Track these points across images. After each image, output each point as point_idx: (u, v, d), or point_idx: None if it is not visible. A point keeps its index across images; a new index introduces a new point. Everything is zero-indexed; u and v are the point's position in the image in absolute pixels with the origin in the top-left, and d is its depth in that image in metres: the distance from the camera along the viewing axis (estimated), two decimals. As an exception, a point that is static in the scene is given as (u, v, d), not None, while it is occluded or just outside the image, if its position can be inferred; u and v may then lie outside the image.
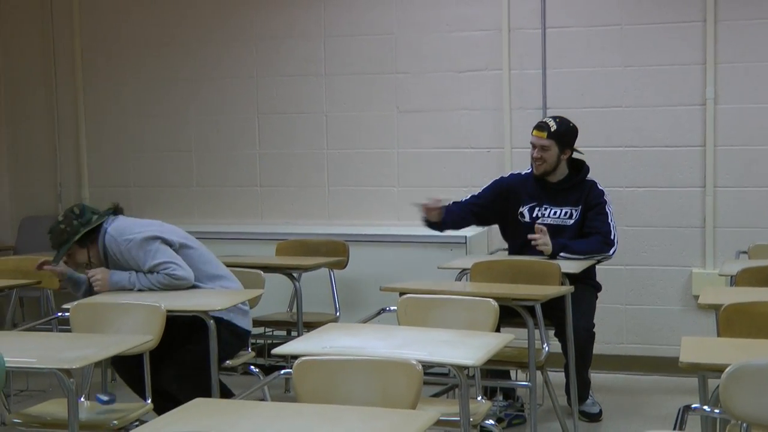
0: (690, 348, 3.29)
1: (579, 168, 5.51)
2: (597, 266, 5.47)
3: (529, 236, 5.22)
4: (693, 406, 3.11)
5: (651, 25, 6.20)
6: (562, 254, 5.22)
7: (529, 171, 5.55)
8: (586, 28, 6.31)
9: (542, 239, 5.20)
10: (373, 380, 3.13)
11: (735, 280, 4.76)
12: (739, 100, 6.09)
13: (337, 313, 5.83)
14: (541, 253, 5.23)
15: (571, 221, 5.39)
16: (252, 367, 4.85)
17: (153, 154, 7.19)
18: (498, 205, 5.52)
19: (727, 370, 2.88)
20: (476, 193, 5.61)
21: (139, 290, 4.58)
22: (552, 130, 5.38)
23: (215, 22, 6.99)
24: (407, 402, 3.06)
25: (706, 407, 3.08)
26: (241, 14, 6.94)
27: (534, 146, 5.42)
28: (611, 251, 5.33)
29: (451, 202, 5.53)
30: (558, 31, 6.34)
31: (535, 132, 5.43)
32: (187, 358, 4.49)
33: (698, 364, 3.13)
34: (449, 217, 5.47)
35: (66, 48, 7.31)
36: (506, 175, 5.72)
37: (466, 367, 3.39)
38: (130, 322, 4.15)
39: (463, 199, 5.59)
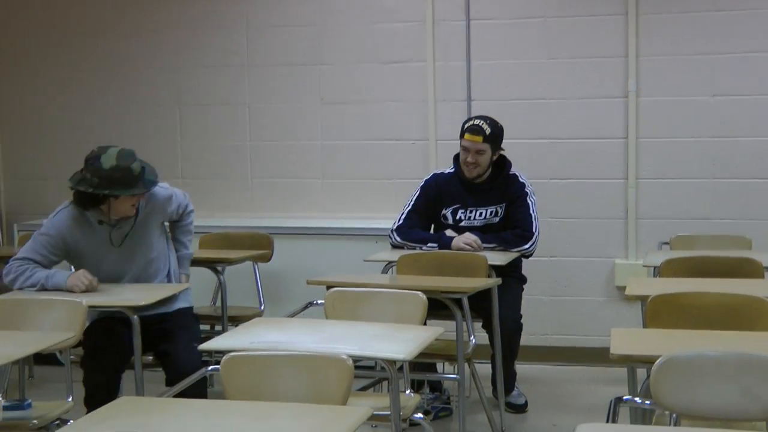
0: (619, 339, 3.30)
1: (501, 165, 5.44)
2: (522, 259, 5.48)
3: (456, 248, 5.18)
4: (624, 397, 3.12)
5: (574, 17, 6.24)
6: (485, 244, 5.22)
7: (452, 170, 5.46)
8: (510, 20, 6.32)
9: (466, 239, 5.18)
10: (303, 376, 3.08)
11: (659, 271, 4.80)
12: (660, 92, 6.16)
13: (262, 307, 5.75)
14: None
15: (497, 218, 5.36)
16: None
17: (71, 145, 6.99)
18: (432, 208, 5.45)
19: (657, 361, 2.89)
20: (410, 206, 5.45)
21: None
22: (487, 133, 5.26)
23: (135, 10, 6.86)
24: (338, 397, 3.02)
25: (637, 399, 3.09)
26: (162, 3, 6.81)
27: (467, 150, 5.29)
28: (529, 245, 5.26)
29: (398, 226, 5.39)
30: (482, 23, 6.35)
31: (468, 136, 5.28)
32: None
33: (629, 356, 3.14)
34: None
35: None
36: (429, 176, 5.58)
37: (396, 361, 3.36)
38: (50, 318, 4.02)
39: (403, 218, 5.43)
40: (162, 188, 4.70)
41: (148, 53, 6.86)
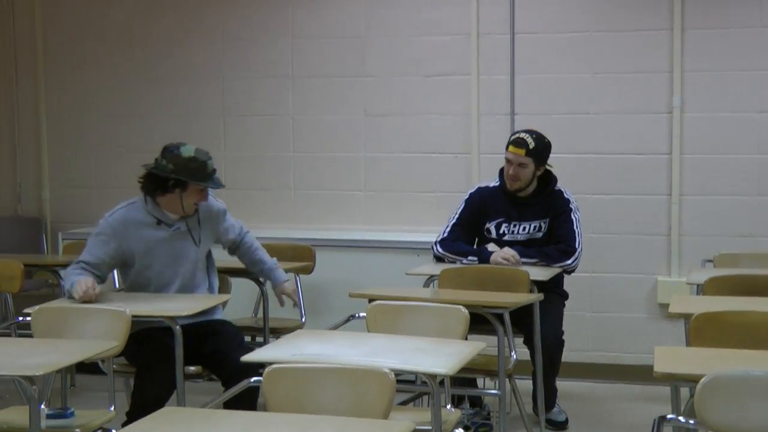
0: (663, 358, 3.28)
1: (547, 180, 5.43)
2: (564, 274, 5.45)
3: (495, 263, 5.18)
4: (668, 416, 3.09)
5: (618, 32, 6.21)
6: (524, 259, 5.21)
7: (497, 183, 5.45)
8: (554, 35, 6.31)
9: (504, 254, 5.19)
10: (345, 389, 3.09)
11: (702, 289, 4.76)
12: (705, 108, 6.12)
13: (303, 319, 5.75)
14: None
15: (540, 234, 5.34)
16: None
17: (116, 154, 7.09)
18: (476, 221, 5.44)
19: (702, 380, 2.87)
20: (454, 220, 5.45)
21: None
22: (530, 147, 5.24)
23: (182, 21, 6.92)
24: (379, 411, 3.02)
25: (681, 418, 3.06)
26: (208, 14, 6.86)
27: (510, 162, 5.28)
28: (571, 260, 5.26)
29: (443, 238, 5.40)
30: (526, 36, 6.33)
31: (512, 148, 5.28)
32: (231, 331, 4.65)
33: (673, 374, 3.11)
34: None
35: (27, 45, 7.19)
36: (473, 189, 5.56)
37: (438, 376, 3.35)
38: (94, 327, 4.05)
39: (447, 231, 5.43)
40: (218, 202, 4.84)
41: (192, 63, 6.91)
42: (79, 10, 7.12)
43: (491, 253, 5.24)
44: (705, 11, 6.07)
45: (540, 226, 5.35)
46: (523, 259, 5.21)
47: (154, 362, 4.37)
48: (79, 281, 4.41)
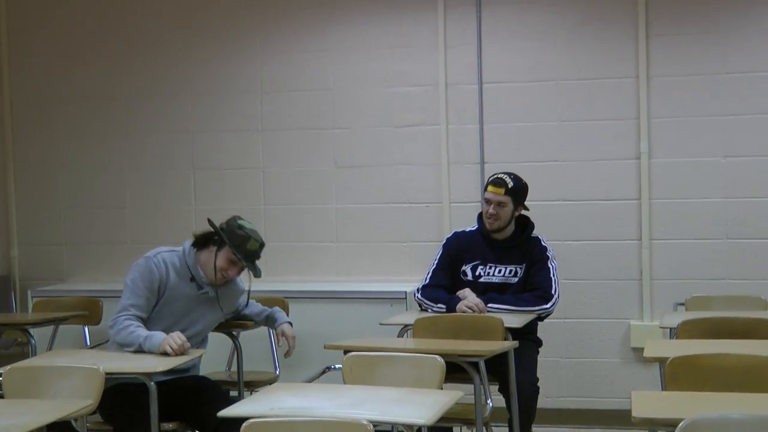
0: (640, 403, 3.28)
1: (524, 225, 5.49)
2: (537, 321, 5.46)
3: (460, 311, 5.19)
4: (648, 461, 3.09)
5: (585, 80, 6.30)
6: (490, 305, 5.20)
7: (475, 228, 5.50)
8: (521, 83, 6.38)
9: (468, 302, 5.18)
10: (324, 442, 3.07)
11: (676, 333, 4.78)
12: (672, 153, 6.20)
13: (277, 372, 5.73)
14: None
15: (516, 279, 5.36)
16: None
17: (85, 210, 7.07)
18: (454, 264, 5.46)
19: (680, 425, 2.87)
20: (434, 265, 5.48)
21: None
22: (509, 186, 5.32)
23: (152, 76, 6.94)
24: (359, 463, 3.00)
25: (661, 463, 3.06)
26: (178, 69, 6.89)
27: (489, 202, 5.34)
28: (549, 305, 5.27)
29: (424, 285, 5.42)
30: (494, 86, 6.41)
31: (491, 188, 5.35)
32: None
33: (651, 419, 3.12)
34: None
35: (-5, 102, 7.19)
36: (450, 234, 5.62)
37: (418, 426, 3.34)
38: (67, 386, 3.99)
39: (428, 277, 5.45)
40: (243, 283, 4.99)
41: (161, 117, 6.93)
42: (46, 66, 7.12)
43: (459, 301, 5.26)
44: (670, 59, 6.16)
45: (516, 271, 5.37)
46: (501, 306, 5.22)
47: (131, 424, 4.32)
48: (169, 336, 4.43)
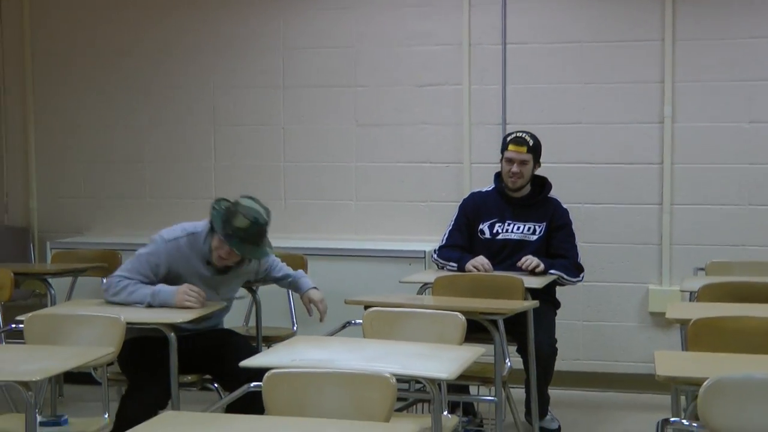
0: (664, 362, 3.28)
1: (542, 184, 5.52)
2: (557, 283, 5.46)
3: (519, 264, 5.21)
4: (671, 419, 3.09)
5: (610, 42, 6.24)
6: (551, 271, 5.26)
7: (492, 187, 5.55)
8: (545, 45, 6.32)
9: (531, 262, 5.20)
10: (346, 394, 3.07)
11: (696, 296, 4.77)
12: (696, 118, 6.14)
13: (294, 328, 5.74)
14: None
15: (535, 237, 5.38)
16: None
17: (104, 164, 7.06)
18: (471, 224, 5.50)
19: (705, 383, 2.87)
20: (451, 226, 5.54)
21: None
22: (530, 144, 5.41)
23: (171, 31, 6.89)
24: (380, 415, 3.00)
25: (684, 421, 3.05)
26: (199, 24, 6.85)
27: (512, 161, 5.38)
28: (582, 276, 5.41)
29: (440, 246, 5.49)
30: (518, 47, 6.35)
31: (513, 147, 5.39)
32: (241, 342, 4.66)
33: (675, 377, 3.11)
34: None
35: (15, 55, 7.15)
36: (467, 195, 5.71)
37: (439, 381, 3.34)
38: (87, 334, 4.02)
39: (445, 238, 5.51)
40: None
41: (182, 73, 6.89)
42: (67, 20, 7.08)
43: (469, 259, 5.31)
44: (696, 22, 6.10)
45: (534, 229, 5.39)
46: (559, 273, 5.28)
47: (144, 379, 4.32)
48: (181, 289, 4.39)
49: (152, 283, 4.52)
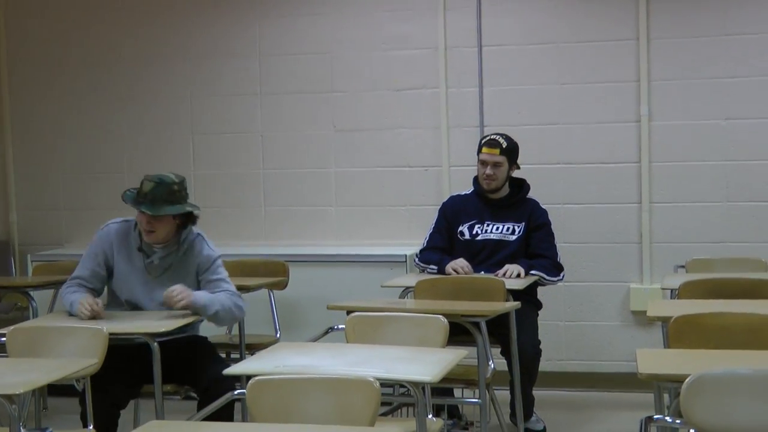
0: (646, 360, 3.29)
1: (520, 185, 5.56)
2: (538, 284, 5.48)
3: (498, 274, 5.23)
4: (655, 416, 3.10)
5: (585, 43, 6.27)
6: (532, 272, 5.30)
7: (471, 191, 5.61)
8: (521, 46, 6.35)
9: (509, 269, 5.24)
10: (330, 399, 3.07)
11: (677, 294, 4.79)
12: (672, 116, 6.18)
13: (278, 335, 5.74)
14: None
15: (514, 237, 5.42)
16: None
17: (84, 175, 7.04)
18: (451, 227, 5.55)
19: (687, 380, 2.89)
20: (431, 229, 5.60)
21: (214, 313, 4.48)
22: (504, 146, 5.46)
23: (148, 39, 6.88)
24: (365, 420, 3.01)
25: (668, 418, 3.07)
26: (175, 32, 6.84)
27: (485, 163, 5.46)
28: (562, 275, 5.46)
29: (422, 249, 5.55)
30: (494, 49, 6.37)
31: (486, 149, 5.47)
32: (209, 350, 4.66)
33: (657, 374, 3.13)
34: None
35: (-8, 68, 7.14)
36: (446, 199, 5.76)
37: (422, 384, 3.34)
38: (71, 345, 4.00)
39: (426, 241, 5.58)
40: (212, 250, 4.68)
41: (160, 81, 6.88)
42: (44, 30, 7.06)
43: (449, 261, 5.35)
44: (670, 20, 6.13)
45: (513, 229, 5.44)
46: (540, 273, 5.32)
47: (104, 381, 4.28)
48: (80, 301, 4.41)
49: (99, 276, 4.61)
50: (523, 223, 5.44)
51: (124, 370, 4.35)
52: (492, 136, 5.55)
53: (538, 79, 6.33)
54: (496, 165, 5.43)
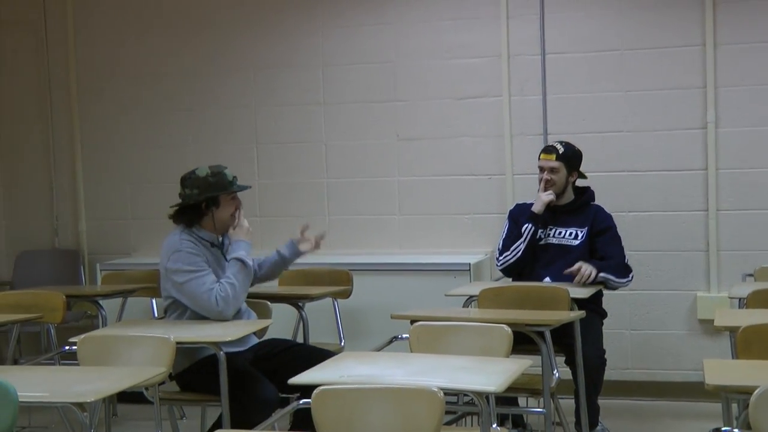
0: (713, 371, 3.26)
1: (583, 192, 5.56)
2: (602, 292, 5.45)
3: (566, 272, 5.22)
4: (723, 429, 3.07)
5: (650, 49, 6.21)
6: (602, 275, 5.25)
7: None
8: (585, 54, 6.31)
9: (583, 267, 5.20)
10: (394, 409, 3.09)
11: (745, 303, 4.73)
12: (739, 123, 6.10)
13: (342, 343, 5.76)
14: (536, 279, 5.36)
15: (577, 242, 5.41)
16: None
17: (151, 185, 7.14)
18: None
19: (756, 392, 2.85)
20: (503, 235, 5.59)
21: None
22: (560, 152, 5.49)
23: (213, 51, 6.97)
24: (429, 430, 3.01)
25: (736, 430, 3.03)
26: (239, 44, 6.92)
27: (543, 169, 5.50)
28: (631, 277, 5.40)
29: (500, 250, 5.55)
30: (557, 56, 6.35)
31: (543, 156, 5.53)
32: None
33: (725, 386, 3.09)
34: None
35: (61, 80, 7.28)
36: (513, 207, 5.77)
37: (487, 394, 3.34)
38: (139, 354, 4.07)
39: (500, 246, 5.58)
40: None
41: (225, 92, 6.97)
42: (111, 44, 7.19)
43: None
44: (737, 26, 6.06)
45: (576, 234, 5.44)
46: (608, 276, 5.28)
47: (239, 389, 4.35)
48: (237, 230, 4.74)
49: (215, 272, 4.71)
50: (586, 228, 5.43)
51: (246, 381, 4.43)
52: (550, 143, 5.63)
53: (602, 87, 6.29)
54: (552, 170, 5.46)
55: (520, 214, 5.58)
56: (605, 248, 5.39)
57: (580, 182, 5.61)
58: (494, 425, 4.10)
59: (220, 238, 4.85)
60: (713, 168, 6.12)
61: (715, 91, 6.09)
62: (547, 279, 5.37)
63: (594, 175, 5.77)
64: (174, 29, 7.06)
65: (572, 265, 5.27)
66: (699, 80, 6.11)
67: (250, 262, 4.72)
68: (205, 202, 4.72)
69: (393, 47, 6.64)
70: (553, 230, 5.49)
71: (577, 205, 5.52)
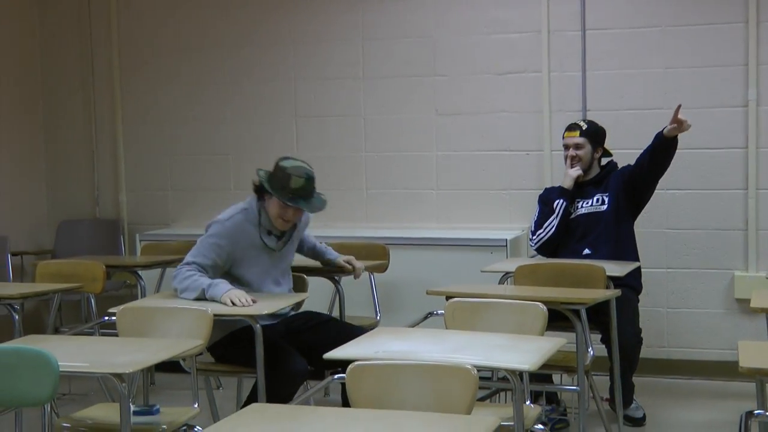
0: (748, 353, 3.25)
1: (606, 166, 5.66)
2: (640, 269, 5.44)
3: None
4: (755, 412, 3.07)
5: (691, 26, 6.15)
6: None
7: None
8: (625, 30, 6.27)
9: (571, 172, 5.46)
10: (428, 385, 3.11)
11: (783, 284, 4.71)
12: (782, 101, 6.04)
13: (378, 317, 5.80)
14: (574, 254, 5.39)
15: (605, 206, 5.49)
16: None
17: (190, 157, 7.20)
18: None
19: (790, 375, 2.85)
20: (537, 217, 5.62)
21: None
22: (583, 128, 5.57)
23: (253, 24, 7.00)
24: (462, 407, 3.03)
25: (769, 412, 3.04)
26: (279, 17, 6.94)
27: (567, 147, 5.58)
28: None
29: (533, 230, 5.62)
30: (598, 32, 6.31)
31: (567, 133, 5.62)
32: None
33: (759, 369, 3.09)
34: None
35: (103, 53, 7.35)
36: (542, 191, 5.81)
37: (520, 372, 3.36)
38: (177, 326, 4.13)
39: (533, 226, 5.64)
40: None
41: (264, 66, 7.00)
42: (153, 18, 7.24)
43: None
44: (780, 3, 5.99)
45: (602, 199, 5.52)
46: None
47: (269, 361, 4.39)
48: (234, 292, 4.45)
49: (216, 266, 4.65)
50: (609, 191, 5.48)
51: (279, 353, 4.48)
52: (574, 121, 5.70)
53: (642, 63, 6.24)
54: (577, 146, 5.54)
55: (549, 196, 5.63)
56: (637, 161, 5.47)
57: (605, 161, 5.60)
58: (528, 402, 4.11)
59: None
60: (753, 146, 6.07)
61: (758, 68, 6.03)
62: (587, 251, 5.39)
63: (633, 153, 5.72)
64: (216, 4, 7.10)
65: (606, 232, 5.35)
66: (741, 58, 6.05)
67: (201, 290, 4.56)
68: (259, 188, 4.72)
69: (433, 22, 6.63)
70: (580, 202, 5.55)
71: (601, 176, 5.59)
